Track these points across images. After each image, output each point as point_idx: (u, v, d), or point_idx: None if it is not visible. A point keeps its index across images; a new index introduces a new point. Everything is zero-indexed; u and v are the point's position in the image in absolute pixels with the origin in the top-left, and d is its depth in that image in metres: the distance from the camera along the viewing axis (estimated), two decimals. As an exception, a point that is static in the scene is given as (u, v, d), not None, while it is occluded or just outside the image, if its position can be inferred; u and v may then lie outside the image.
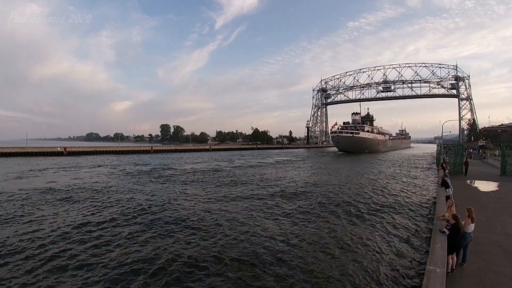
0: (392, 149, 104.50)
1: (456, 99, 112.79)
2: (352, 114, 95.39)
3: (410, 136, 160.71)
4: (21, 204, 14.45)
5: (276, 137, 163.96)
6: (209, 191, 18.61)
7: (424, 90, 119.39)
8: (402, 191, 18.89)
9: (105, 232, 10.12)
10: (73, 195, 16.70)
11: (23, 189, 18.71)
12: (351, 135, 79.59)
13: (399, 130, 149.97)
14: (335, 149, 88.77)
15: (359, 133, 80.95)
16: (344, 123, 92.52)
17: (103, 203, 14.84)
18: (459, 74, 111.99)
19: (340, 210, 13.49)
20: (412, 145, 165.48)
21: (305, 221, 11.73)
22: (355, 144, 78.35)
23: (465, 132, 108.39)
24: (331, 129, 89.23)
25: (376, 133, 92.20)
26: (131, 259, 7.85)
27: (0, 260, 7.85)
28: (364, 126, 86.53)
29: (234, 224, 11.22)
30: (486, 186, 16.65)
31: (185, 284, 6.70)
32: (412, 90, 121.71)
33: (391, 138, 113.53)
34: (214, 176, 26.40)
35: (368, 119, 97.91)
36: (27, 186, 20.27)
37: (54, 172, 29.23)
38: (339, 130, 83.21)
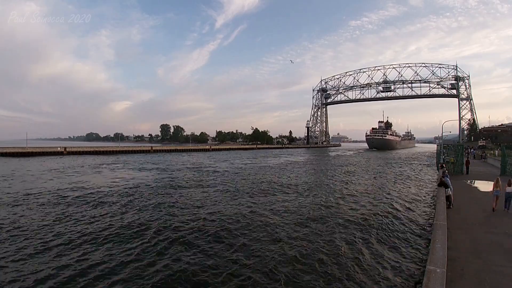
0: (403, 147, 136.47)
1: (456, 99, 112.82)
2: (378, 122, 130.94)
3: (415, 137, 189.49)
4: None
5: (276, 137, 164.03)
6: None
7: (424, 90, 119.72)
8: (405, 190, 18.94)
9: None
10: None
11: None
12: (380, 137, 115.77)
13: (406, 132, 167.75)
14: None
15: (385, 136, 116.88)
16: (373, 128, 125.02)
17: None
18: (459, 74, 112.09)
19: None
20: (416, 145, 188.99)
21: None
22: (383, 143, 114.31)
23: (465, 132, 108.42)
24: (366, 133, 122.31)
25: (395, 136, 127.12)
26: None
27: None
28: (388, 131, 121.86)
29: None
30: (486, 186, 16.61)
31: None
32: (412, 90, 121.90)
33: (402, 139, 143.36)
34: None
35: (388, 125, 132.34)
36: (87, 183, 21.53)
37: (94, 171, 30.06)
38: (372, 133, 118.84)
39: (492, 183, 11.60)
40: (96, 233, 9.99)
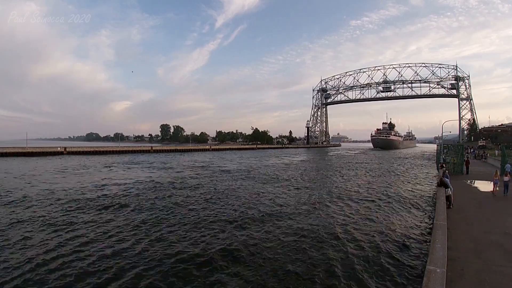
0: (405, 147, 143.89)
1: (456, 99, 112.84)
2: (383, 123, 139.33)
3: (416, 138, 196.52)
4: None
5: (276, 137, 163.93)
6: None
7: (424, 90, 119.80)
8: (405, 190, 18.95)
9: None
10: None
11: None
12: (385, 137, 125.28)
13: (407, 132, 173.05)
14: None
15: (389, 136, 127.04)
16: (377, 129, 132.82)
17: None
18: (459, 74, 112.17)
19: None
20: (416, 144, 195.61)
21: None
22: (387, 143, 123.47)
23: (465, 132, 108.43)
24: (371, 133, 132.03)
25: (397, 136, 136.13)
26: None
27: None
28: (391, 131, 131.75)
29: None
30: (486, 186, 16.63)
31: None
32: (412, 90, 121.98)
33: (404, 139, 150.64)
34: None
35: (392, 126, 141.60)
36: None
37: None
38: (377, 134, 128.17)
39: (492, 183, 14.22)
40: (120, 234, 9.98)
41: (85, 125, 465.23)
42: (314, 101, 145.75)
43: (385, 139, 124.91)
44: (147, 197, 16.39)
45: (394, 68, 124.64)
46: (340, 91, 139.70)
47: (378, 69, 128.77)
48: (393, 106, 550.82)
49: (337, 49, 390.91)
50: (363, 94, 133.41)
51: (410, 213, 13.30)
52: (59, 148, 60.61)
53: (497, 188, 14.13)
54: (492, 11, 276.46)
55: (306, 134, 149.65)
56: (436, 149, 37.25)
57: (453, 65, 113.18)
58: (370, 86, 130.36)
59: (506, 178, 13.41)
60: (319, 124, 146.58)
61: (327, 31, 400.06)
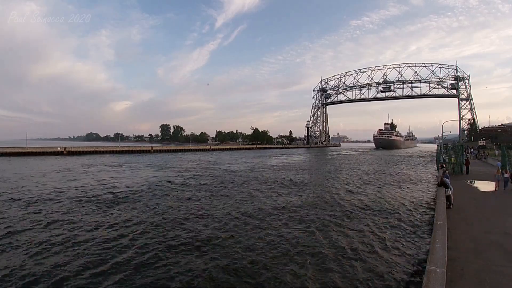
0: (406, 147, 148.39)
1: (456, 99, 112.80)
2: (385, 124, 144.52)
3: (416, 138, 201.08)
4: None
5: (276, 137, 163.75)
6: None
7: (424, 90, 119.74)
8: (405, 190, 18.95)
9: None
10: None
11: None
12: (387, 137, 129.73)
13: (408, 133, 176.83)
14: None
15: (391, 136, 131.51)
16: (379, 130, 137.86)
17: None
18: (459, 74, 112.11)
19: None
20: (417, 144, 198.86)
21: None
22: (389, 143, 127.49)
23: (465, 132, 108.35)
24: (374, 134, 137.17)
25: (399, 136, 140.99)
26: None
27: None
28: (393, 132, 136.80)
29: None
30: (486, 186, 16.62)
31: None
32: (412, 90, 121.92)
33: (405, 139, 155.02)
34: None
35: (393, 126, 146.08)
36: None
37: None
38: (379, 134, 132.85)
39: (492, 182, 14.97)
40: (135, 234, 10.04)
41: (85, 125, 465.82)
42: (314, 101, 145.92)
43: (387, 139, 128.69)
44: (149, 196, 16.41)
45: (394, 68, 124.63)
46: (340, 91, 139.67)
47: (378, 69, 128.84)
48: (393, 106, 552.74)
49: (337, 49, 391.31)
50: (363, 94, 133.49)
51: (410, 212, 13.30)
52: (59, 148, 60.61)
53: (497, 188, 14.80)
54: (492, 11, 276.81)
55: (306, 134, 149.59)
56: (436, 149, 37.25)
57: (453, 65, 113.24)
58: (370, 86, 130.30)
59: (506, 175, 14.50)
60: (319, 124, 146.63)
61: (327, 31, 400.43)
